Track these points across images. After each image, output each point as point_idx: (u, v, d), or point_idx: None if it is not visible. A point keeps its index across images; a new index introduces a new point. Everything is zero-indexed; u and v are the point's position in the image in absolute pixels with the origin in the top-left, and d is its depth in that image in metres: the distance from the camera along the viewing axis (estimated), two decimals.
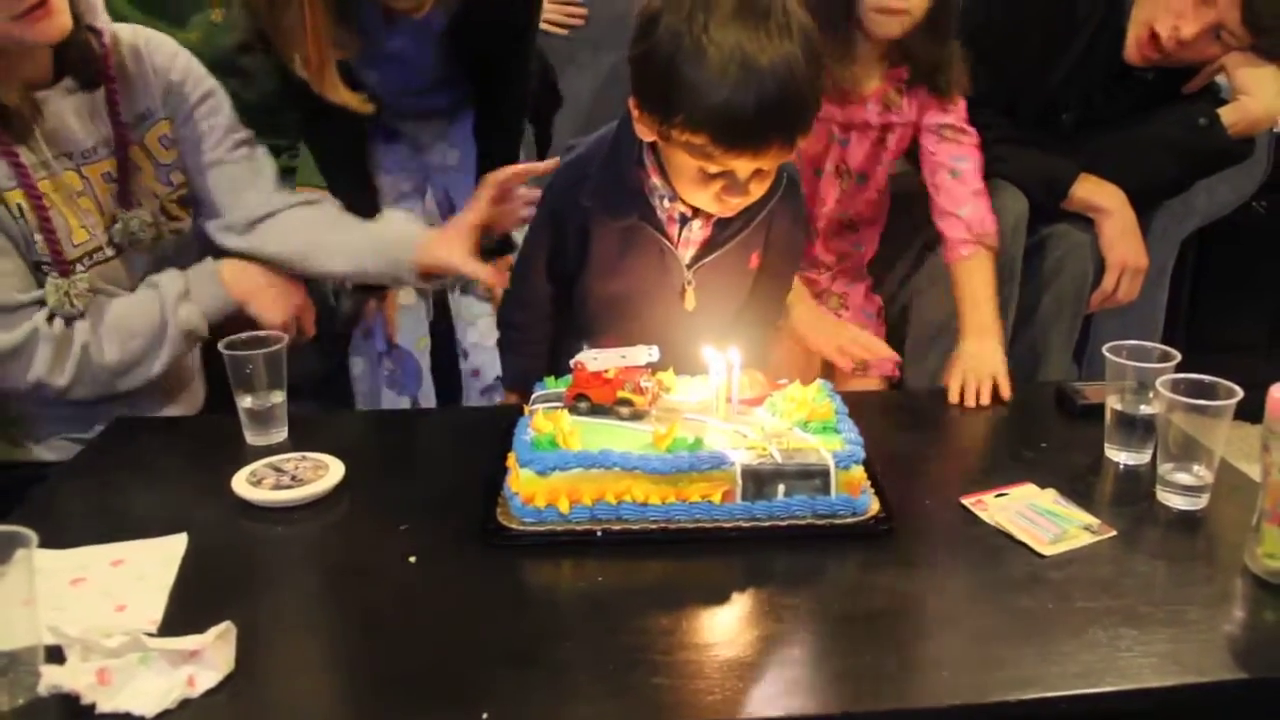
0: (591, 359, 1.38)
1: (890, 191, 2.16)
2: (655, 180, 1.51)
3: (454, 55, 1.92)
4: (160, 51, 1.78)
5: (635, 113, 1.43)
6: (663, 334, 1.49)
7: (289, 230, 1.86)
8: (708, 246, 1.56)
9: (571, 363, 1.40)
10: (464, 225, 1.81)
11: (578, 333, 1.67)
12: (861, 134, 2.00)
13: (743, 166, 1.38)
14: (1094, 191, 2.17)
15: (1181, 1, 1.99)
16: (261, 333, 1.58)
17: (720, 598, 1.19)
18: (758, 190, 1.43)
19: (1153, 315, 2.38)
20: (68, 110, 1.66)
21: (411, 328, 2.12)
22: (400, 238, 1.86)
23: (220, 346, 1.54)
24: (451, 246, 1.79)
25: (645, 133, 1.44)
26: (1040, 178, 2.16)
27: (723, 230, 1.55)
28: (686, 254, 1.57)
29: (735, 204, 1.45)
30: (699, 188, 1.43)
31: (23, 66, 1.59)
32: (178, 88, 1.79)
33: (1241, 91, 2.08)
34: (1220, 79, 2.16)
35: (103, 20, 1.71)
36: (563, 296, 1.68)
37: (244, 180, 1.85)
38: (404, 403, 2.14)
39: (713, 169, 1.38)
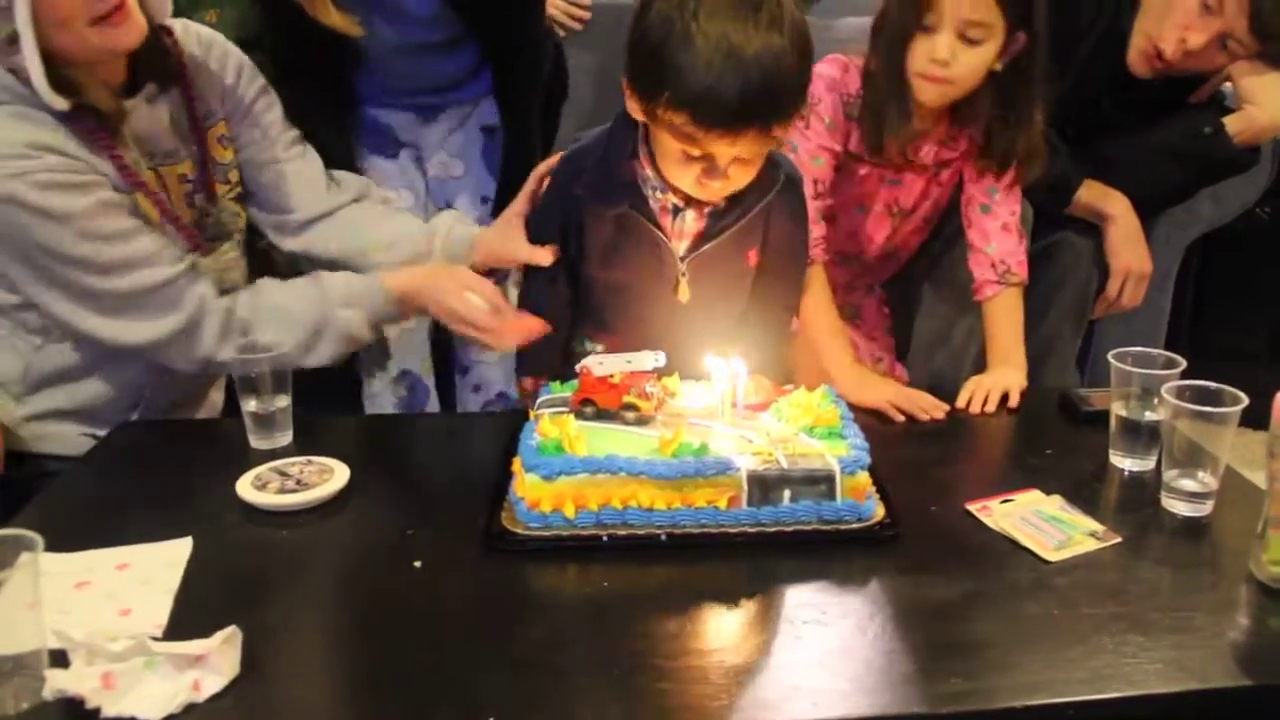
0: (597, 364, 1.38)
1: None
2: (648, 171, 1.54)
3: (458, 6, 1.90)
4: (216, 48, 1.77)
5: (627, 92, 1.47)
6: (658, 326, 1.53)
7: (343, 230, 1.86)
8: (702, 238, 1.57)
9: (577, 368, 1.40)
10: (515, 215, 1.78)
11: (582, 321, 1.69)
12: (917, 175, 1.99)
13: (721, 151, 1.41)
14: (1098, 197, 2.17)
15: (1187, 12, 1.98)
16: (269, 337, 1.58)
17: (725, 603, 1.19)
18: (739, 177, 1.46)
19: (1157, 322, 2.38)
20: (151, 114, 1.67)
21: (416, 350, 2.11)
22: (456, 236, 1.85)
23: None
24: (509, 237, 1.76)
25: (635, 110, 1.47)
26: (1046, 182, 2.15)
27: (716, 222, 1.56)
28: (681, 246, 1.58)
29: (717, 189, 1.47)
30: (682, 170, 1.46)
31: (103, 70, 1.59)
32: (235, 86, 1.79)
33: (1247, 100, 2.08)
34: (1225, 87, 2.16)
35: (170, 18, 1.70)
36: (574, 285, 1.68)
37: (297, 179, 1.85)
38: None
39: (694, 151, 1.41)
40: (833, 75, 1.88)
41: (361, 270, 1.81)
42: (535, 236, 1.68)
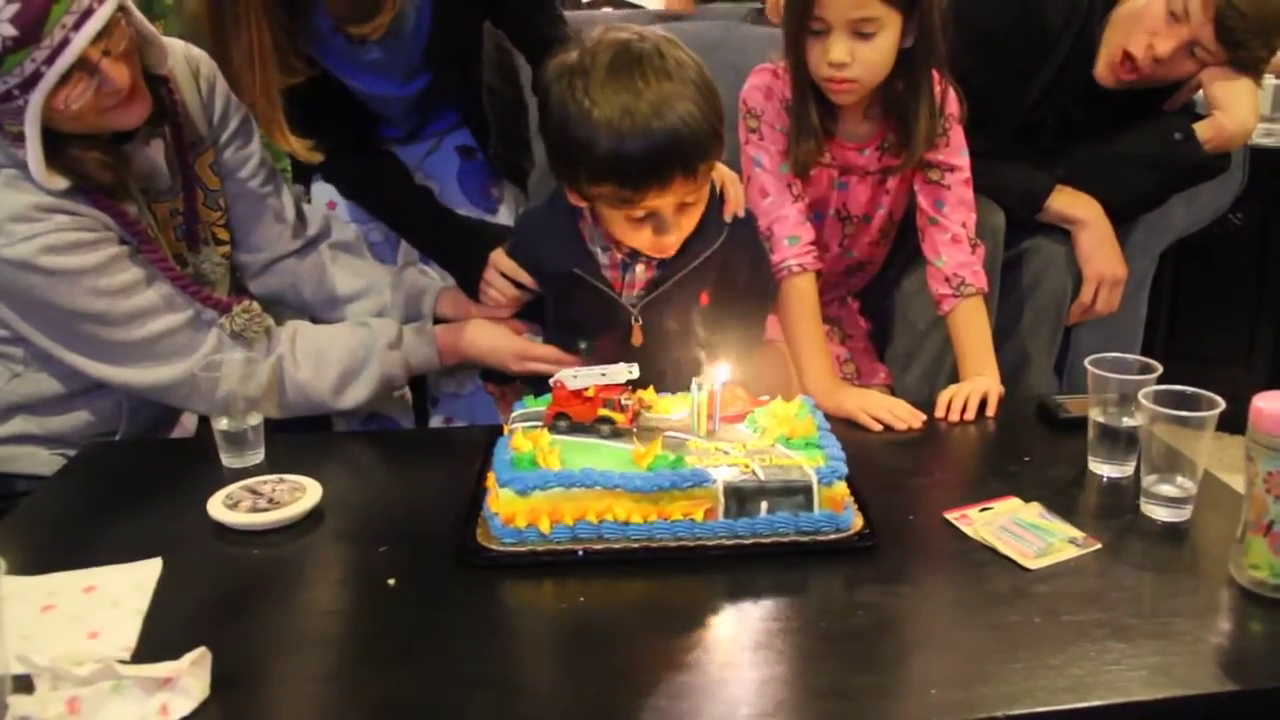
0: (571, 377, 1.37)
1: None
2: (593, 231, 1.58)
3: (435, 51, 1.91)
4: (203, 73, 1.77)
5: (557, 179, 1.52)
6: (616, 357, 1.49)
7: (312, 274, 1.87)
8: (652, 285, 1.60)
9: (551, 381, 1.39)
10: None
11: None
12: (861, 179, 1.99)
13: (660, 204, 1.44)
14: (1070, 204, 2.17)
15: (1154, 20, 2.00)
16: (237, 355, 1.56)
17: (703, 616, 1.18)
18: (689, 223, 1.50)
19: (1132, 328, 2.38)
20: (148, 153, 1.68)
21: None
22: (418, 288, 1.89)
23: (196, 369, 1.53)
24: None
25: (574, 199, 1.52)
26: (1017, 190, 2.16)
27: (666, 270, 1.58)
28: (631, 295, 1.60)
29: (671, 242, 1.50)
30: (633, 233, 1.49)
31: (109, 158, 1.59)
32: (221, 111, 1.79)
33: (1216, 107, 2.09)
34: (1197, 96, 2.17)
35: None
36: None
37: (270, 213, 1.85)
38: None
39: (637, 213, 1.44)
40: (766, 84, 1.89)
41: (329, 320, 1.84)
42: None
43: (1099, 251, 2.15)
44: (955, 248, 1.92)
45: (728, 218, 1.62)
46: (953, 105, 1.90)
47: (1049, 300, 2.17)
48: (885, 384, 2.13)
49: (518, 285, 1.74)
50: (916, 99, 1.82)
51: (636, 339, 1.61)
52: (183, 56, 1.74)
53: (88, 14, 1.43)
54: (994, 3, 2.16)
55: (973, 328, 1.90)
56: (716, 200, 1.59)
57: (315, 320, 1.84)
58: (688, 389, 1.39)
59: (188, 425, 1.88)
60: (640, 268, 1.59)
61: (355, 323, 1.79)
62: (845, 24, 1.69)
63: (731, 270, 1.64)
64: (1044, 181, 2.17)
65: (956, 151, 1.94)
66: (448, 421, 2.03)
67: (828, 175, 1.96)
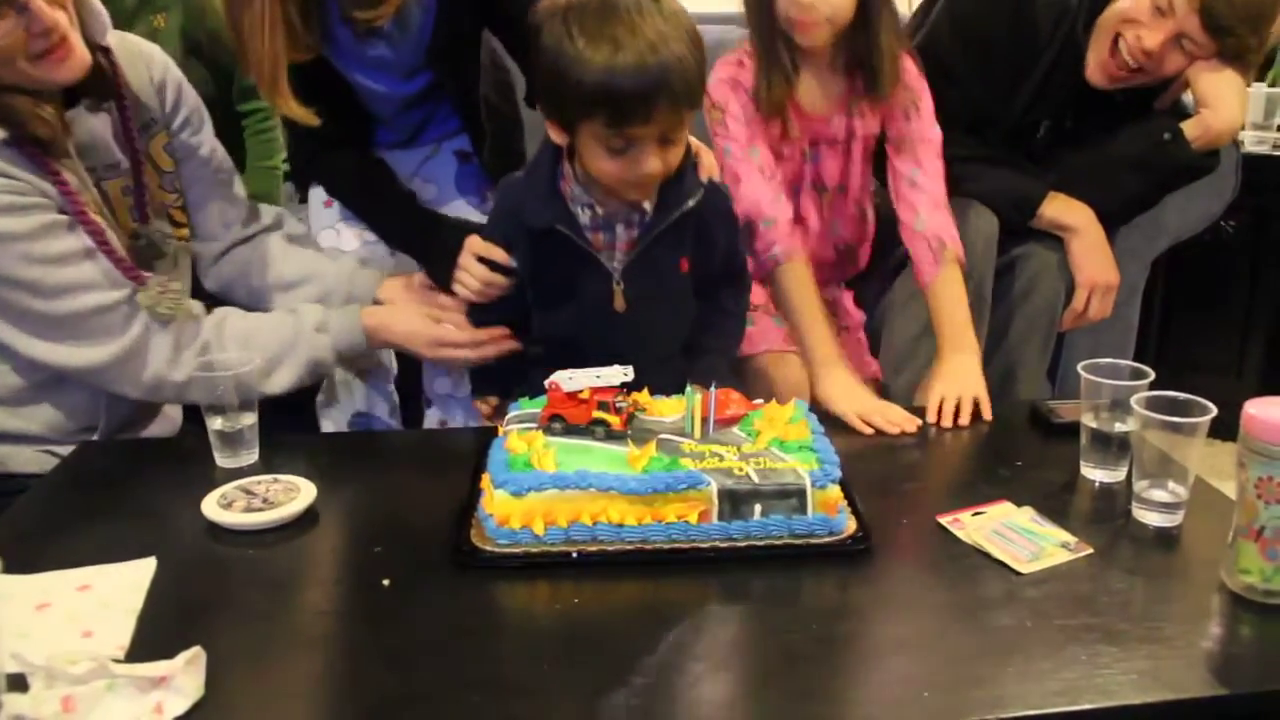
0: (566, 379, 1.37)
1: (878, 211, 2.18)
2: (575, 189, 1.58)
3: (438, 49, 1.92)
4: (155, 62, 1.79)
5: (546, 122, 1.54)
6: (599, 334, 1.60)
7: (256, 262, 1.88)
8: (632, 248, 1.61)
9: (546, 383, 1.39)
10: (422, 284, 1.85)
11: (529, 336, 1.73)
12: (830, 148, 2.01)
13: (643, 135, 1.46)
14: (1063, 210, 2.18)
15: (1141, 13, 2.01)
16: (232, 355, 1.56)
17: (698, 619, 1.18)
18: (670, 161, 1.51)
19: (1125, 334, 2.39)
20: (95, 129, 1.67)
21: (382, 396, 2.10)
22: (359, 283, 1.89)
23: (193, 365, 1.53)
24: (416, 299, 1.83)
25: (556, 135, 1.54)
26: (1010, 196, 2.17)
27: (646, 232, 1.60)
28: (612, 258, 1.61)
29: (651, 172, 1.50)
30: (612, 169, 1.50)
31: (46, 107, 1.58)
32: (174, 99, 1.80)
33: (1203, 105, 2.10)
34: (1186, 96, 2.18)
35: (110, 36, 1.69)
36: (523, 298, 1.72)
37: (218, 200, 1.86)
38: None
39: (617, 143, 1.46)
40: (732, 75, 1.93)
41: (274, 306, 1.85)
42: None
43: (1092, 258, 2.16)
44: (936, 211, 1.95)
45: (703, 177, 1.65)
46: (913, 74, 1.96)
47: (1042, 306, 2.17)
48: (875, 378, 2.14)
49: (495, 268, 1.72)
50: (879, 33, 1.89)
51: (619, 303, 1.62)
52: (130, 44, 1.76)
53: None
54: (989, 8, 2.17)
55: (952, 299, 1.91)
56: (692, 163, 1.62)
57: (264, 308, 1.85)
58: (669, 359, 1.43)
59: (173, 417, 1.87)
60: (620, 228, 1.60)
61: (284, 310, 1.78)
62: None
63: (708, 240, 1.66)
64: (1037, 188, 2.18)
65: (929, 124, 1.98)
66: (442, 424, 2.03)
67: (799, 148, 2.01)
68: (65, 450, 1.66)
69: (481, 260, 1.72)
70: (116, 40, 1.71)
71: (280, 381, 1.72)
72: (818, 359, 1.84)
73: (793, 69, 1.92)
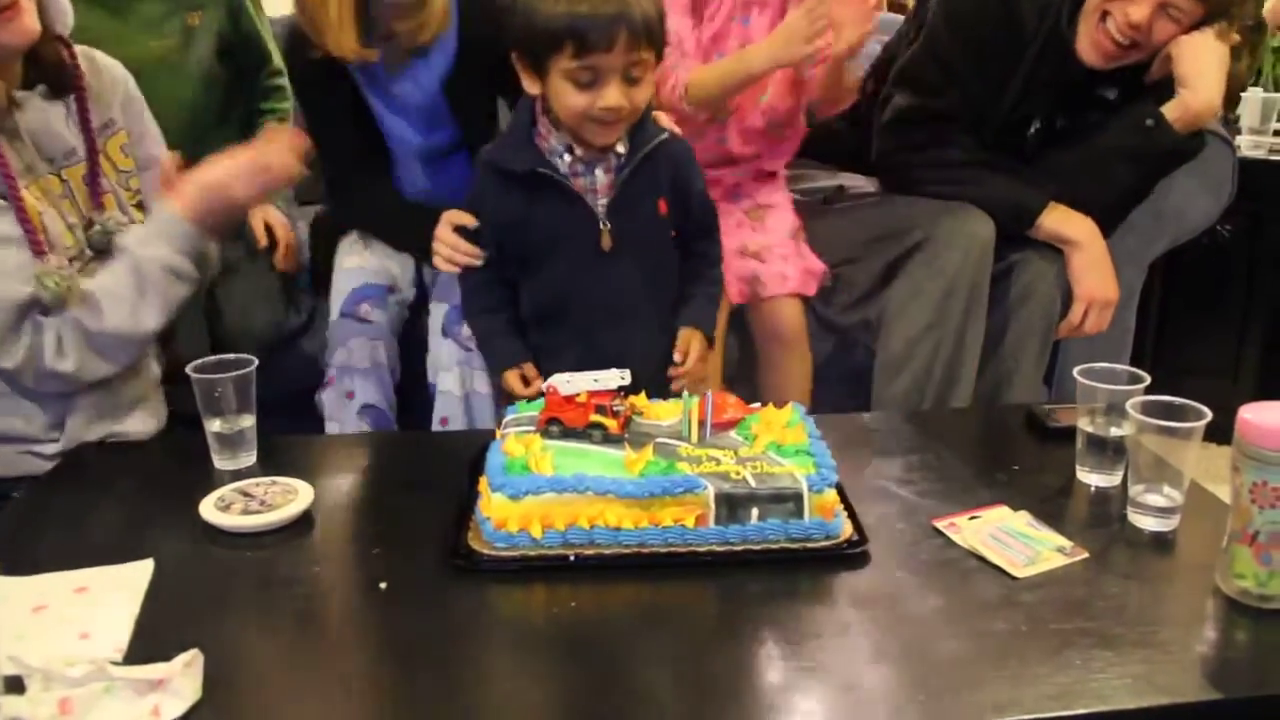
0: (564, 382, 1.38)
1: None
2: (552, 140, 1.70)
3: (455, 95, 2.06)
4: (114, 69, 1.82)
5: (520, 73, 1.67)
6: (588, 274, 1.72)
7: None
8: (613, 189, 1.72)
9: (543, 387, 1.40)
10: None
11: (519, 275, 1.80)
12: (761, 12, 2.05)
13: (608, 66, 1.59)
14: (1063, 222, 2.17)
15: None
16: (230, 356, 1.56)
17: (694, 622, 1.19)
18: (636, 99, 1.64)
19: (1121, 338, 2.39)
20: (49, 114, 1.69)
21: (381, 386, 2.09)
22: None
23: (189, 370, 1.53)
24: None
25: (529, 84, 1.68)
26: (1009, 205, 2.17)
27: (620, 173, 1.71)
28: (596, 201, 1.70)
29: (614, 108, 1.62)
30: (580, 105, 1.62)
31: None
32: (132, 104, 1.83)
33: (1181, 85, 2.10)
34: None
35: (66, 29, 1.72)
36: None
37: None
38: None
39: (585, 77, 1.60)
40: None
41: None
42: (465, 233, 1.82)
43: (1091, 273, 2.15)
44: None
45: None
46: None
47: (1037, 314, 2.17)
48: (818, 271, 2.25)
49: (468, 236, 1.80)
50: None
51: (606, 243, 1.72)
52: (103, 61, 1.80)
53: None
54: (979, 3, 2.20)
55: None
56: (651, 115, 1.78)
57: None
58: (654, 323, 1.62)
59: (158, 411, 1.85)
60: (599, 171, 1.71)
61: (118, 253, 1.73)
62: None
63: (682, 185, 1.78)
64: (1037, 198, 2.17)
65: None
66: (444, 423, 2.04)
67: (727, 9, 2.09)
68: (45, 449, 1.66)
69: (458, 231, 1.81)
70: (84, 54, 1.76)
71: (152, 315, 1.67)
72: (742, 58, 2.01)
73: None
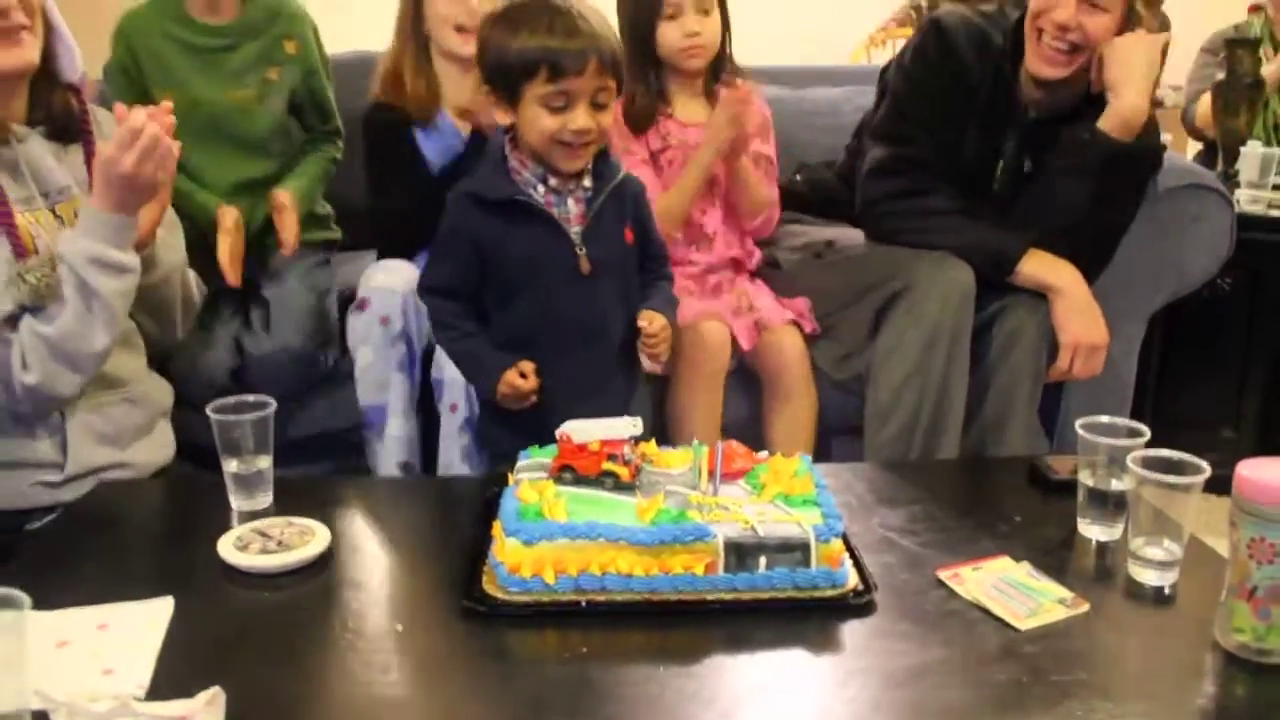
0: (577, 430, 1.41)
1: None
2: (526, 173, 1.78)
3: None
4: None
5: (494, 107, 1.77)
6: (568, 294, 1.78)
7: None
8: (585, 218, 1.80)
9: (557, 434, 1.43)
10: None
11: (497, 302, 1.84)
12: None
13: (577, 91, 1.69)
14: (1042, 269, 2.19)
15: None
16: (250, 397, 1.59)
17: (703, 669, 1.21)
18: (600, 122, 1.73)
19: (1121, 391, 2.40)
20: (45, 151, 1.75)
21: (407, 446, 2.21)
22: None
23: (209, 410, 1.56)
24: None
25: (502, 115, 1.77)
26: (988, 253, 2.18)
27: (591, 203, 1.80)
28: (572, 228, 1.79)
29: (582, 130, 1.71)
30: (551, 128, 1.71)
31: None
32: None
33: (1109, 91, 2.15)
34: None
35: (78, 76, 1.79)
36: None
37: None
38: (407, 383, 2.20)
39: (558, 102, 1.69)
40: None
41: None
42: (437, 267, 1.85)
43: (1075, 317, 2.16)
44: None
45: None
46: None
47: (1024, 361, 2.17)
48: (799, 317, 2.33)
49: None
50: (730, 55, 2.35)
51: (584, 267, 1.79)
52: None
53: None
54: (927, 58, 2.30)
55: None
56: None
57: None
58: (622, 345, 1.78)
59: (165, 441, 1.89)
60: (570, 202, 1.79)
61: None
62: (693, 4, 2.22)
63: (641, 216, 1.89)
64: (1016, 244, 2.19)
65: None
66: (453, 409, 2.09)
67: (679, 155, 2.30)
68: (52, 476, 1.69)
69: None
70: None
71: (98, 311, 1.66)
72: (692, 165, 2.26)
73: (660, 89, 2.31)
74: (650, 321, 1.81)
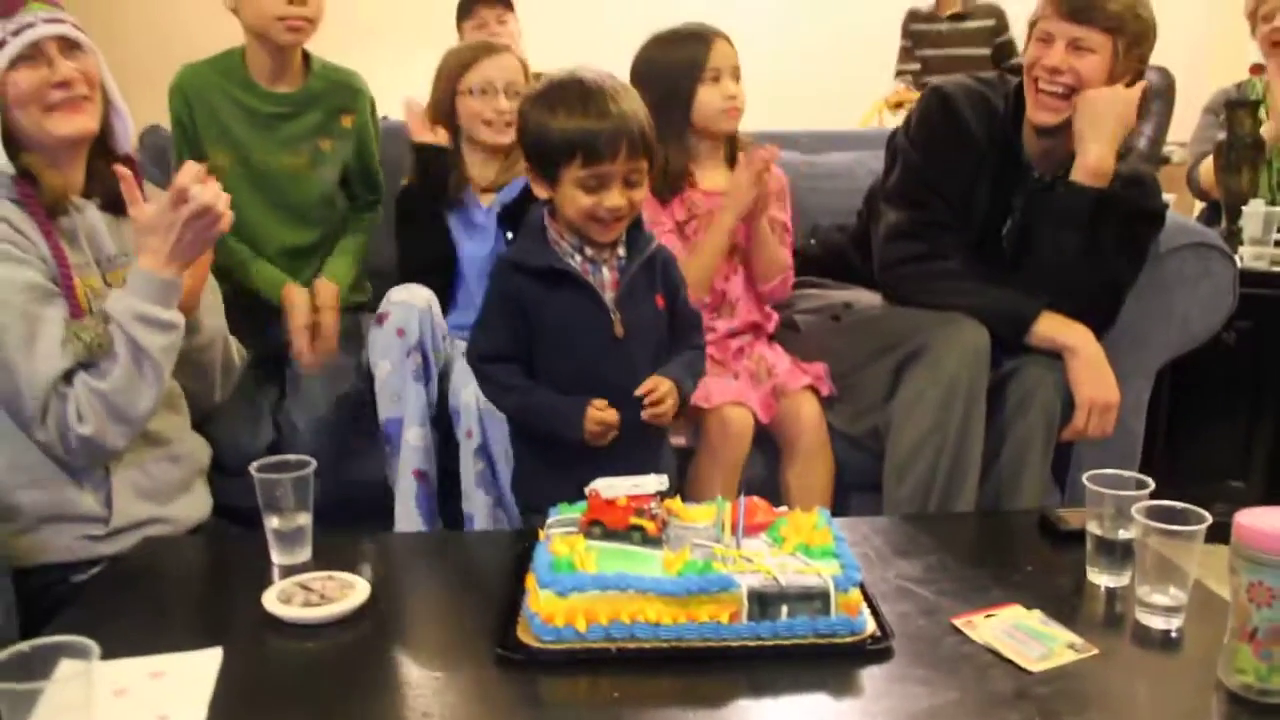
0: (606, 487, 1.47)
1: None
2: (563, 242, 1.85)
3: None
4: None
5: (533, 183, 1.86)
6: (602, 357, 1.83)
7: None
8: (619, 286, 1.86)
9: (586, 490, 1.49)
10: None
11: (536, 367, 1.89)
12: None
13: (610, 173, 1.76)
14: (1057, 330, 2.23)
15: (1033, 47, 2.21)
16: (291, 457, 1.66)
17: (729, 712, 1.27)
18: (634, 199, 1.81)
19: (1131, 444, 2.42)
20: (100, 221, 1.87)
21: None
22: None
23: (252, 469, 1.63)
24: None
25: (540, 190, 1.84)
26: (1004, 314, 2.22)
27: (625, 271, 1.87)
28: (607, 294, 1.85)
29: (616, 208, 1.78)
30: (587, 206, 1.78)
31: (61, 169, 1.79)
32: None
33: (1077, 143, 2.21)
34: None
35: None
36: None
37: None
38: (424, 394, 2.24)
39: (592, 181, 1.76)
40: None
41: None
42: (489, 334, 1.89)
43: (1090, 378, 2.19)
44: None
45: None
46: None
47: (1038, 420, 2.20)
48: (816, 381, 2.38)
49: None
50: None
51: (619, 330, 1.85)
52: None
53: (57, 21, 1.76)
54: (933, 126, 2.36)
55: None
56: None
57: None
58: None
59: (203, 495, 1.97)
60: (605, 269, 1.86)
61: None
62: (730, 69, 2.35)
63: (672, 284, 1.94)
64: (1030, 306, 2.23)
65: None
66: (469, 435, 2.17)
67: (704, 222, 2.38)
68: (98, 529, 1.77)
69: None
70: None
71: (146, 367, 1.75)
72: (713, 229, 2.34)
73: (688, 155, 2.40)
74: (654, 387, 1.82)
